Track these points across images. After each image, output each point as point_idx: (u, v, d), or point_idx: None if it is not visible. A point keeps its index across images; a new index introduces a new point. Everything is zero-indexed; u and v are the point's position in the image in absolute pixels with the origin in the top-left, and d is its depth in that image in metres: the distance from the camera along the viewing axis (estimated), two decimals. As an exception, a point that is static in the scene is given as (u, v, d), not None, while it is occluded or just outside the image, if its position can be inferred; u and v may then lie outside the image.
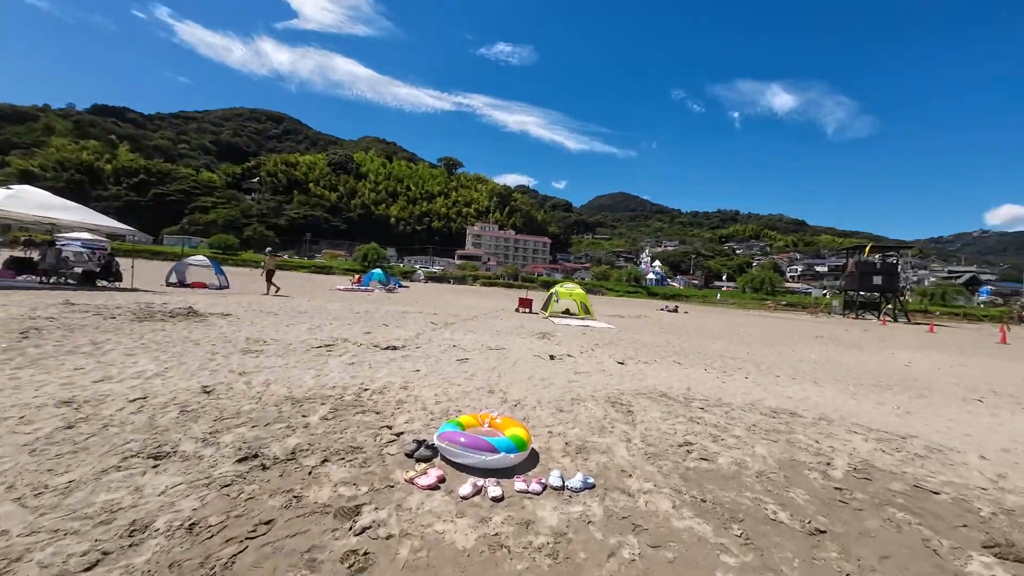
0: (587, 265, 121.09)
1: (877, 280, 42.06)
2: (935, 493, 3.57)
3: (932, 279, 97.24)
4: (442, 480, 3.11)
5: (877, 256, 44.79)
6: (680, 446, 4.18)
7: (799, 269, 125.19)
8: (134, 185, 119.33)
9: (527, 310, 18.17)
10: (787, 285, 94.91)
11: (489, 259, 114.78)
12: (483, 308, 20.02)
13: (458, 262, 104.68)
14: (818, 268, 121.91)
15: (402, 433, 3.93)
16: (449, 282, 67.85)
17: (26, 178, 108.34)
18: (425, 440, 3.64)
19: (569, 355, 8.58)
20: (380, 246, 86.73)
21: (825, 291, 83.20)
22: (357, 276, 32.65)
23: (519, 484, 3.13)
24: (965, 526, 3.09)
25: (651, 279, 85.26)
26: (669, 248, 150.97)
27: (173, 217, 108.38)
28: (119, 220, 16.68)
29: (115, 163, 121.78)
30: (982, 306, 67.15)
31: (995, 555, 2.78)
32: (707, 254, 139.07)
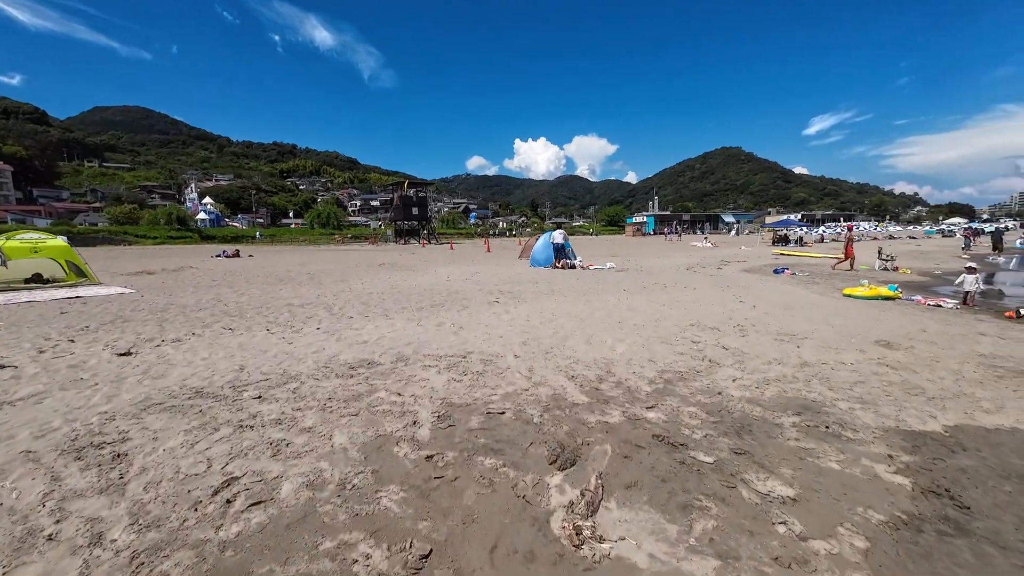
0: (98, 205, 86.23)
1: (415, 211, 51.60)
2: (501, 414, 3.60)
3: (445, 209, 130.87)
4: None
5: (413, 191, 54.62)
6: (216, 493, 2.48)
7: (358, 204, 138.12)
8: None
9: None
10: (350, 219, 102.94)
11: None
12: None
13: None
14: (372, 203, 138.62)
15: None
16: None
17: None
18: None
19: (5, 366, 4.68)
20: None
21: (380, 222, 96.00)
22: None
23: None
24: (532, 444, 3.12)
25: (203, 220, 70.84)
26: (223, 183, 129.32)
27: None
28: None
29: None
30: (473, 225, 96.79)
31: (559, 468, 2.84)
32: (269, 190, 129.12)
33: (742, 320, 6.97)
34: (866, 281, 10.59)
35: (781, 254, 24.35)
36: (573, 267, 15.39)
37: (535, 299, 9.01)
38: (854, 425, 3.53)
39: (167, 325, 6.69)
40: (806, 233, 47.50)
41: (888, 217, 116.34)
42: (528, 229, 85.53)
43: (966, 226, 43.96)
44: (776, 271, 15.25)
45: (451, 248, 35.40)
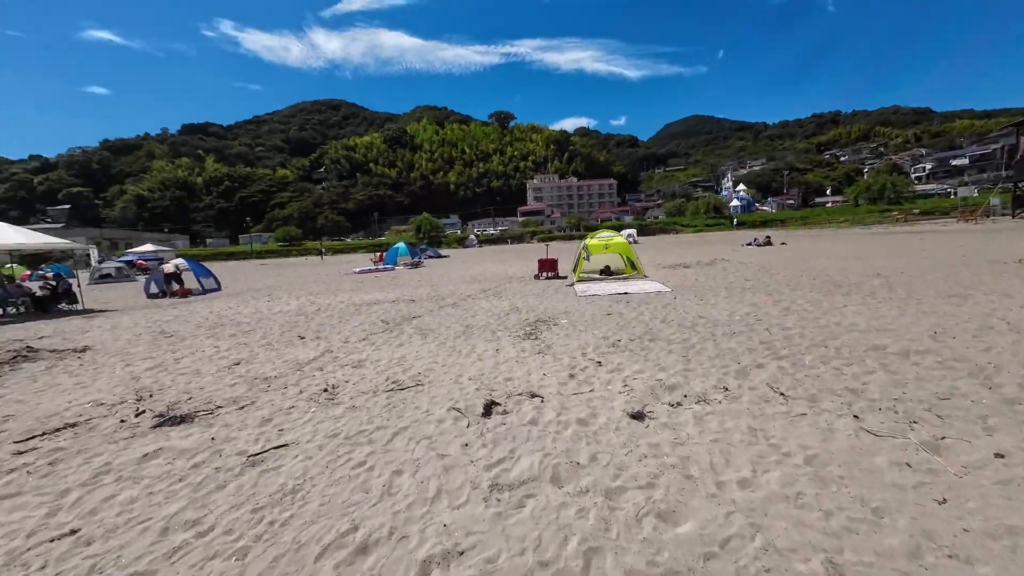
0: (660, 202, 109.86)
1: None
2: None
3: None
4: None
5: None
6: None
7: (927, 167, 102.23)
8: (222, 192, 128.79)
9: (550, 274, 13.70)
10: (916, 188, 77.90)
11: (552, 211, 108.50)
12: (503, 276, 15.97)
13: (520, 219, 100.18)
14: (955, 162, 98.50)
15: None
16: (507, 242, 64.21)
17: (140, 202, 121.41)
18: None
19: (535, 397, 4.26)
20: (436, 215, 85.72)
21: (970, 186, 66.58)
22: (379, 254, 29.35)
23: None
24: None
25: (735, 206, 74.15)
26: (755, 168, 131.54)
27: (257, 216, 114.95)
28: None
29: (204, 175, 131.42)
30: None
31: None
32: (803, 167, 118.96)
33: None
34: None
35: None
36: None
37: None
38: None
39: (689, 358, 5.02)
40: None
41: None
42: None
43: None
44: None
45: None
